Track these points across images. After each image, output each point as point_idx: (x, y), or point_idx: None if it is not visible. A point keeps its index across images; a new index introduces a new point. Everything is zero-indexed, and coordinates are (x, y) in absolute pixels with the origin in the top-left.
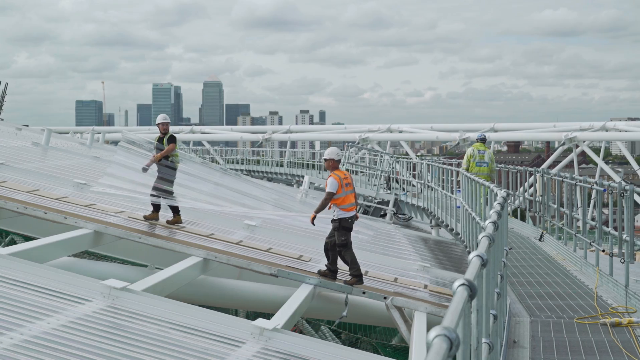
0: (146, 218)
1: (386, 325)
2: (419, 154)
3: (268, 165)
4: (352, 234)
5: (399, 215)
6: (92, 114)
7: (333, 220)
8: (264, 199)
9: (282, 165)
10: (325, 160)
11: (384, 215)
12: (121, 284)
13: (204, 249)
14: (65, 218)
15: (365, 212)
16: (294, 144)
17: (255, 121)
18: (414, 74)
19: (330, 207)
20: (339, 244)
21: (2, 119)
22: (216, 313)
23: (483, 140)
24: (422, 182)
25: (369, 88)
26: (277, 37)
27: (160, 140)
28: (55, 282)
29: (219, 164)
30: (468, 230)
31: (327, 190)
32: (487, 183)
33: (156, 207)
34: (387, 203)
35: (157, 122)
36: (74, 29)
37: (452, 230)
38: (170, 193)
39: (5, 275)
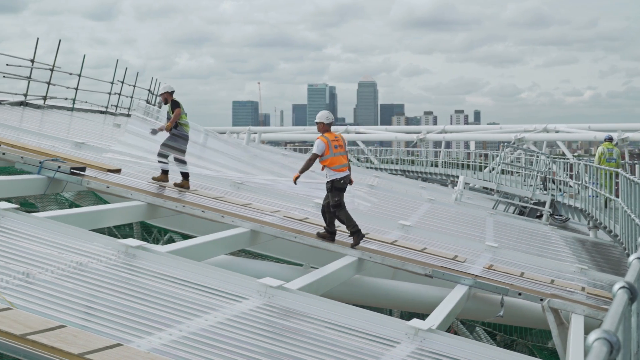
0: (155, 179)
1: (542, 327)
2: (576, 154)
3: (423, 165)
4: (348, 202)
5: (556, 217)
6: (248, 114)
7: (327, 183)
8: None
9: (436, 165)
10: (317, 123)
11: (540, 216)
12: (277, 283)
13: (358, 248)
14: (223, 217)
15: (521, 213)
16: (448, 144)
17: (409, 121)
18: (573, 72)
19: (322, 169)
20: (332, 205)
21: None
22: (371, 313)
23: (610, 139)
24: (580, 182)
25: (526, 87)
26: (434, 37)
27: (168, 110)
28: (212, 280)
29: (373, 163)
30: (627, 232)
31: (313, 151)
32: None
33: (165, 170)
34: (543, 204)
35: (159, 93)
36: (234, 30)
37: (610, 232)
38: (182, 161)
39: (165, 273)
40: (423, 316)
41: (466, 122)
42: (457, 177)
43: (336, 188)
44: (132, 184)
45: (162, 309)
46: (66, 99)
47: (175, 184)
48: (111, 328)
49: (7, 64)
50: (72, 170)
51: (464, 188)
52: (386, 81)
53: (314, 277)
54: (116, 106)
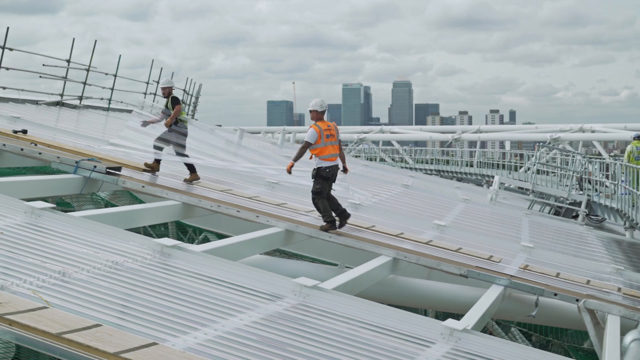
0: (186, 180)
1: (577, 328)
2: (612, 154)
3: (457, 165)
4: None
5: (592, 217)
6: (282, 114)
7: (313, 170)
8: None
9: (471, 165)
10: (310, 111)
11: (575, 217)
12: (312, 282)
13: (393, 248)
14: (258, 217)
15: (557, 213)
16: (483, 144)
17: (444, 121)
18: (609, 72)
19: (311, 158)
20: (313, 191)
21: (196, 119)
22: (406, 313)
23: (639, 138)
24: (615, 182)
25: (562, 87)
26: (470, 37)
27: (166, 105)
28: (247, 280)
29: (408, 163)
30: None
31: (305, 139)
32: None
33: (192, 168)
34: (579, 204)
35: (160, 86)
36: (269, 30)
37: None
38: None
39: (200, 272)
40: (458, 316)
41: (501, 122)
42: (493, 177)
43: (320, 176)
44: (167, 184)
45: (197, 308)
46: (102, 99)
47: (185, 180)
48: (146, 327)
49: (43, 64)
50: (107, 169)
51: (499, 188)
52: (421, 81)
53: (348, 277)
54: (152, 106)
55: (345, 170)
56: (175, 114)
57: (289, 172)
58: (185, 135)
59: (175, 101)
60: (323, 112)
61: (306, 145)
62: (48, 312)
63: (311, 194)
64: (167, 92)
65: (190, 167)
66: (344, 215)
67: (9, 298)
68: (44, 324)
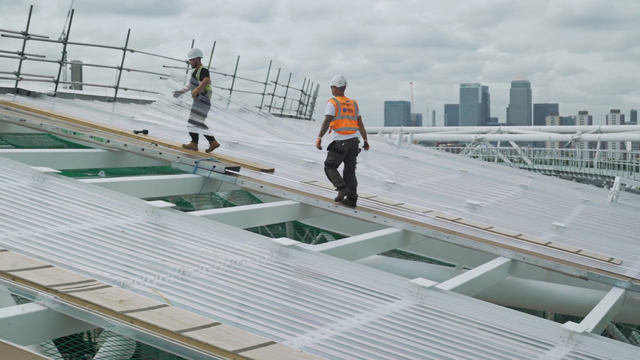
0: (185, 147)
1: None
2: None
3: (577, 165)
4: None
5: None
6: (400, 114)
7: (330, 142)
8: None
9: (591, 166)
10: (331, 87)
11: None
12: (429, 283)
13: (511, 249)
14: (375, 217)
15: None
16: (604, 144)
17: (563, 121)
18: None
19: (329, 132)
20: (326, 162)
21: (313, 120)
22: (524, 314)
23: None
24: None
25: None
26: (591, 35)
27: (194, 74)
28: (364, 280)
29: (526, 164)
30: None
31: (325, 113)
32: None
33: (194, 137)
34: None
35: (187, 57)
36: (388, 30)
37: None
38: (204, 125)
39: (317, 271)
40: (577, 319)
41: (622, 122)
42: (613, 178)
43: (335, 149)
44: (285, 184)
45: (315, 308)
46: (221, 99)
47: (207, 151)
48: (264, 326)
49: (163, 66)
50: (226, 169)
51: (620, 189)
52: (541, 80)
53: (466, 278)
54: (269, 107)
55: (366, 146)
56: (203, 85)
57: (319, 147)
58: (209, 104)
59: (205, 73)
60: (342, 88)
61: (327, 119)
62: (168, 310)
63: (324, 164)
64: (195, 62)
65: (209, 137)
66: (354, 201)
67: (130, 296)
68: (164, 322)
